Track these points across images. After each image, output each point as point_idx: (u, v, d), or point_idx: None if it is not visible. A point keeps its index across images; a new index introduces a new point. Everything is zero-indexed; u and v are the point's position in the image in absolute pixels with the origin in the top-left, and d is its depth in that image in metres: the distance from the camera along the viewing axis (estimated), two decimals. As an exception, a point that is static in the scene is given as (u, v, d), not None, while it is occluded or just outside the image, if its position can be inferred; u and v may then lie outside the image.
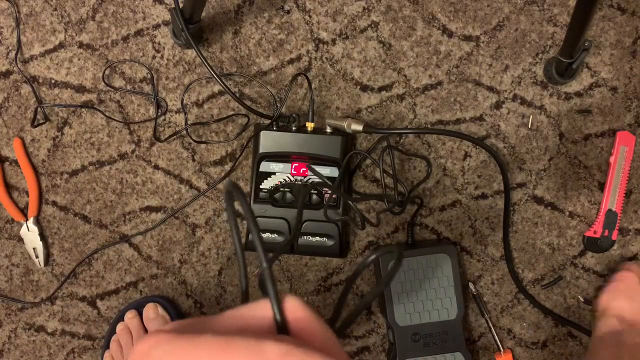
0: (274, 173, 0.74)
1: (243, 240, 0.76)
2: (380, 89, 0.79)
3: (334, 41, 0.79)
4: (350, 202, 0.71)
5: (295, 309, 0.28)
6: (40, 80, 0.79)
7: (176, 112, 0.79)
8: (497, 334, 0.79)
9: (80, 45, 0.79)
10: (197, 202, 0.79)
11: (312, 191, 0.74)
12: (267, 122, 0.74)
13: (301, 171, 0.74)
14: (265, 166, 0.74)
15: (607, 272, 0.79)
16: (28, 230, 0.78)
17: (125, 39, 0.79)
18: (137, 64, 0.78)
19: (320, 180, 0.74)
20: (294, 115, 0.75)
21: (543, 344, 0.80)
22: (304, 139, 0.73)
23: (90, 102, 0.79)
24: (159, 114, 0.79)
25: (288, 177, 0.74)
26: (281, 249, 0.38)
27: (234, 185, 0.30)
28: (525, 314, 0.80)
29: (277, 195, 0.74)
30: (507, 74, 0.79)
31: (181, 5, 0.70)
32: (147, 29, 0.79)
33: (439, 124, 0.79)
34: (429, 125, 0.79)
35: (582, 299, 0.79)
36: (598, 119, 0.79)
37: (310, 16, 0.79)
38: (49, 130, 0.79)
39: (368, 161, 0.79)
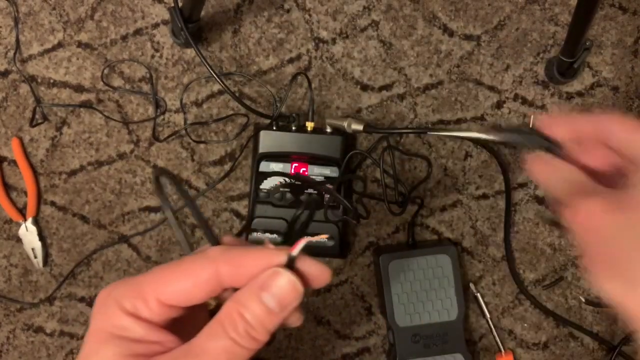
0: (274, 173, 0.74)
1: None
2: (381, 89, 0.78)
3: (334, 40, 0.78)
4: (336, 195, 0.71)
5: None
6: (39, 80, 0.78)
7: (175, 112, 0.78)
8: (498, 335, 0.79)
9: (79, 44, 0.78)
10: (197, 202, 0.78)
11: (311, 190, 0.74)
12: (267, 121, 0.74)
13: (301, 171, 0.74)
14: (265, 166, 0.74)
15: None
16: (26, 230, 0.78)
17: (124, 38, 0.78)
18: (136, 63, 0.78)
19: (319, 181, 0.73)
20: (294, 114, 0.74)
21: (544, 345, 0.80)
22: (304, 138, 0.73)
23: (89, 101, 0.78)
24: (158, 113, 0.78)
25: (285, 180, 0.74)
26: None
27: (162, 171, 0.34)
28: (527, 314, 0.80)
29: (277, 195, 0.74)
30: (508, 73, 0.78)
31: (180, 4, 0.69)
32: (146, 28, 0.78)
33: (440, 123, 0.78)
34: (430, 125, 0.78)
35: (583, 300, 0.79)
36: (599, 118, 0.78)
37: (310, 15, 0.78)
38: (47, 130, 0.78)
39: (368, 161, 0.78)
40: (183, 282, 0.29)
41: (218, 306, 0.32)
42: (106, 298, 0.30)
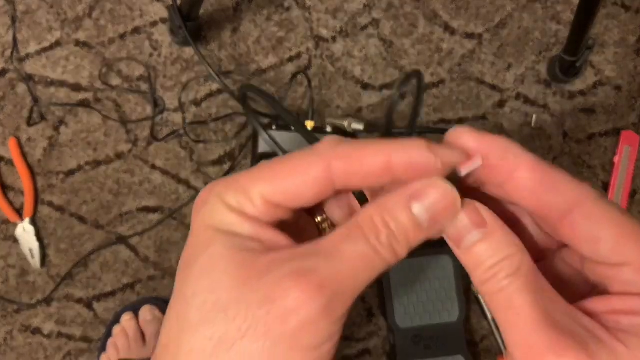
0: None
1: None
2: (381, 87, 0.78)
3: (334, 39, 0.78)
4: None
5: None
6: (37, 79, 0.78)
7: (174, 111, 0.78)
8: (499, 337, 0.78)
9: (77, 43, 0.78)
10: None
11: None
12: (267, 121, 0.73)
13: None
14: (264, 166, 0.73)
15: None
16: (24, 230, 0.77)
17: (122, 36, 0.78)
18: (134, 62, 0.77)
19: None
20: (294, 114, 0.74)
21: (546, 346, 0.79)
22: (304, 138, 0.72)
23: (87, 100, 0.78)
24: (157, 112, 0.78)
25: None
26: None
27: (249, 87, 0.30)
28: (528, 315, 0.79)
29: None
30: (510, 72, 0.78)
31: (179, 2, 0.69)
32: (145, 26, 0.78)
33: (442, 122, 0.78)
34: (432, 124, 0.78)
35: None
36: (602, 117, 0.78)
37: (310, 13, 0.78)
38: (45, 130, 0.78)
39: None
40: (289, 179, 0.25)
41: (329, 226, 0.29)
42: (208, 195, 0.26)
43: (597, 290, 0.25)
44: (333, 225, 0.29)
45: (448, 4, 0.77)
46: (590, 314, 0.23)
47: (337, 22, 0.78)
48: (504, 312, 0.24)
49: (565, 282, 0.27)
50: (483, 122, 0.78)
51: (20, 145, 0.78)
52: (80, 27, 0.78)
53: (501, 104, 0.78)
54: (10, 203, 0.78)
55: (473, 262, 0.24)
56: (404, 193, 0.25)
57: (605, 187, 0.78)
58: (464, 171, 0.25)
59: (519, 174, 0.24)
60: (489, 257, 0.24)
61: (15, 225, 0.78)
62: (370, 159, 0.25)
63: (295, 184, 0.25)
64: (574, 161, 0.78)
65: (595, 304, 0.24)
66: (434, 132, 0.76)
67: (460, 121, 0.78)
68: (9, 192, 0.79)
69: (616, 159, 0.77)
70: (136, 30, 0.78)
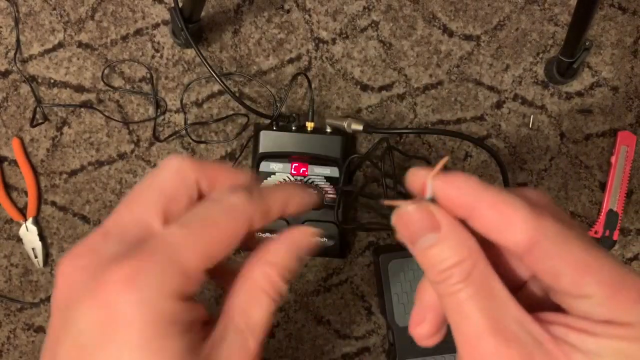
0: (273, 173, 0.74)
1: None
2: (381, 89, 0.78)
3: (334, 40, 0.78)
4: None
5: None
6: (39, 80, 0.78)
7: (175, 112, 0.78)
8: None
9: (80, 44, 0.78)
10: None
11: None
12: (267, 121, 0.74)
13: (301, 171, 0.74)
14: (265, 166, 0.74)
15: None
16: (27, 230, 0.78)
17: (124, 38, 0.78)
18: (136, 63, 0.78)
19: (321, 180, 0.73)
20: (294, 114, 0.74)
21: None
22: (304, 138, 0.73)
23: (90, 101, 0.79)
24: (159, 113, 0.78)
25: (288, 177, 0.74)
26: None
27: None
28: (526, 314, 0.80)
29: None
30: (508, 73, 0.78)
31: (180, 4, 0.69)
32: (147, 28, 0.79)
33: (440, 123, 0.78)
34: (430, 125, 0.78)
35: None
36: (599, 118, 0.79)
37: (310, 15, 0.78)
38: (48, 130, 0.79)
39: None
40: (226, 241, 0.26)
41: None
42: (138, 287, 0.23)
43: (559, 309, 0.25)
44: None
45: (446, 6, 0.78)
46: (544, 322, 0.24)
47: (337, 24, 0.78)
48: (453, 315, 0.25)
49: (534, 300, 0.28)
50: (481, 123, 0.78)
51: (24, 146, 0.78)
52: (83, 28, 0.79)
53: (499, 104, 0.78)
54: (14, 203, 0.79)
55: (426, 263, 0.26)
56: (290, 248, 0.29)
57: (602, 188, 0.79)
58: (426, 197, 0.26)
59: (478, 211, 0.25)
60: (441, 261, 0.25)
61: (18, 224, 0.79)
62: (277, 208, 0.29)
63: (228, 245, 0.27)
64: (571, 161, 0.79)
65: (551, 316, 0.24)
66: (433, 133, 0.77)
67: (459, 122, 0.78)
68: (12, 192, 0.79)
69: (613, 159, 0.77)
70: (138, 32, 0.78)
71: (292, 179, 0.74)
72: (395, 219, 0.27)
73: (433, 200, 0.26)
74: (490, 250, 0.27)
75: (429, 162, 0.78)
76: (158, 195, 0.27)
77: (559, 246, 0.24)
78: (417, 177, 0.27)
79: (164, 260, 0.24)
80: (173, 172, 0.28)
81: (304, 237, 0.29)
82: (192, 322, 0.25)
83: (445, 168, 0.26)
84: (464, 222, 0.26)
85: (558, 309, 0.25)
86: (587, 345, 0.23)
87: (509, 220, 0.24)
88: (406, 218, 0.26)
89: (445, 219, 0.25)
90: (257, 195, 0.28)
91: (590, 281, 0.23)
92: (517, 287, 0.28)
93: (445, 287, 0.24)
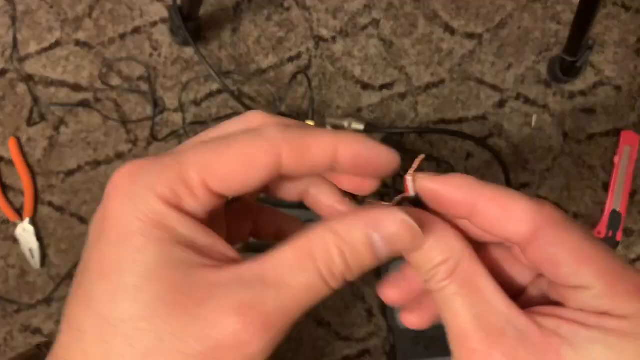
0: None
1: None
2: (382, 88, 0.78)
3: (334, 39, 0.78)
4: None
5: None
6: (37, 79, 0.78)
7: (174, 111, 0.78)
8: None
9: (77, 43, 0.78)
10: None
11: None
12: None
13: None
14: (264, 166, 0.73)
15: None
16: (24, 230, 0.77)
17: (122, 36, 0.78)
18: (134, 62, 0.77)
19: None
20: (294, 114, 0.74)
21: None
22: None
23: (87, 101, 0.78)
24: (157, 112, 0.78)
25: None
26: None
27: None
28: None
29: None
30: (510, 72, 0.78)
31: (179, 2, 0.69)
32: (145, 26, 0.78)
33: (441, 123, 0.78)
34: (431, 124, 0.78)
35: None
36: (602, 118, 0.78)
37: (310, 13, 0.78)
38: (45, 130, 0.78)
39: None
40: (236, 166, 0.23)
41: (238, 203, 0.27)
42: (133, 184, 0.22)
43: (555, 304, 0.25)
44: (237, 198, 0.27)
45: (448, 4, 0.77)
46: (536, 313, 0.24)
47: (337, 22, 0.78)
48: (443, 311, 0.25)
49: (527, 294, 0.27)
50: (483, 122, 0.78)
51: (20, 145, 0.78)
52: (80, 27, 0.78)
53: (501, 104, 0.78)
54: (10, 203, 0.78)
55: (415, 264, 0.25)
56: (362, 221, 0.23)
57: (605, 188, 0.78)
58: (411, 192, 0.26)
59: (479, 207, 0.24)
60: (427, 262, 0.25)
61: (15, 225, 0.78)
62: (319, 150, 0.24)
63: (243, 171, 0.23)
64: (574, 161, 0.78)
65: (545, 308, 0.24)
66: (435, 133, 0.76)
67: (460, 121, 0.78)
68: (8, 192, 0.78)
69: (616, 159, 0.77)
70: (136, 30, 0.78)
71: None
72: (375, 237, 0.25)
73: (417, 197, 0.26)
74: (491, 255, 0.27)
75: (430, 162, 0.77)
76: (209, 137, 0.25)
77: (560, 234, 0.24)
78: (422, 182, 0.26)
79: (166, 163, 0.23)
80: (240, 122, 0.25)
81: (396, 226, 0.23)
82: (191, 242, 0.22)
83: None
84: (458, 223, 0.26)
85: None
86: (577, 336, 0.23)
87: (510, 210, 0.24)
88: (390, 231, 0.25)
89: (429, 219, 0.25)
90: (294, 129, 0.24)
91: (589, 271, 0.23)
92: (519, 292, 0.28)
93: (434, 284, 0.25)
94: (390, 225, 0.24)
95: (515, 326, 0.23)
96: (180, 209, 0.22)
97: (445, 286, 0.24)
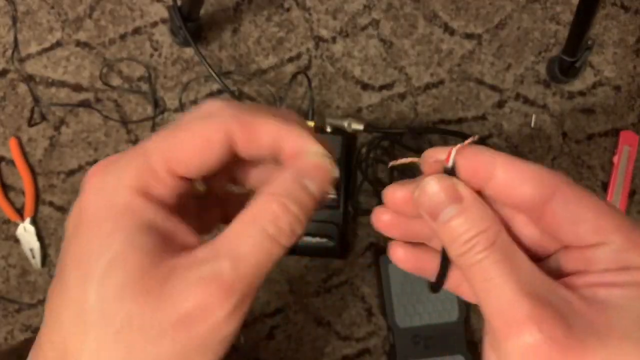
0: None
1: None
2: (381, 88, 0.78)
3: (334, 39, 0.78)
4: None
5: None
6: (37, 79, 0.78)
7: (174, 111, 0.78)
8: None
9: (78, 43, 0.78)
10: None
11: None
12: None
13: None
14: (264, 166, 0.73)
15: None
16: (25, 230, 0.78)
17: (122, 37, 0.78)
18: (134, 62, 0.78)
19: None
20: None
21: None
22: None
23: (88, 101, 0.78)
24: (157, 113, 0.78)
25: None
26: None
27: None
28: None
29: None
30: (510, 72, 0.78)
31: (179, 2, 0.69)
32: (145, 27, 0.78)
33: (441, 123, 0.78)
34: (431, 125, 0.78)
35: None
36: (601, 118, 0.78)
37: (310, 14, 0.78)
38: (45, 130, 0.78)
39: (369, 161, 0.78)
40: (195, 145, 0.25)
41: (206, 192, 0.28)
42: (105, 176, 0.24)
43: (577, 274, 0.25)
44: (205, 191, 0.29)
45: (448, 5, 0.78)
46: (569, 287, 0.24)
47: (337, 22, 0.78)
48: (481, 283, 0.24)
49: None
50: (483, 122, 0.78)
51: (21, 145, 0.78)
52: (81, 27, 0.78)
53: (501, 104, 0.78)
54: (11, 203, 0.78)
55: (450, 236, 0.25)
56: (290, 175, 0.25)
57: (604, 187, 0.78)
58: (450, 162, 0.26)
59: (496, 173, 0.25)
60: (465, 232, 0.24)
61: (16, 225, 0.78)
62: (266, 132, 0.26)
63: (200, 150, 0.25)
64: (574, 161, 0.78)
65: (573, 280, 0.24)
66: (434, 133, 0.76)
67: (460, 121, 0.78)
68: (9, 192, 0.79)
69: (615, 159, 0.77)
70: (136, 31, 0.78)
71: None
72: (417, 193, 0.26)
73: (452, 170, 0.26)
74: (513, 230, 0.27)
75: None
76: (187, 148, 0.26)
77: (577, 193, 0.24)
78: (436, 153, 0.27)
79: (132, 155, 0.25)
80: (200, 110, 0.26)
81: (317, 168, 0.26)
82: (155, 226, 0.24)
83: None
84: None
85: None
86: (616, 297, 0.23)
87: (527, 174, 0.24)
88: (428, 191, 0.25)
89: (466, 190, 0.25)
90: (245, 111, 0.26)
91: (610, 226, 0.24)
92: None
93: (470, 257, 0.24)
94: (318, 170, 0.26)
95: (558, 294, 0.23)
96: (148, 196, 0.24)
97: (484, 257, 0.24)
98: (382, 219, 0.28)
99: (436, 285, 0.28)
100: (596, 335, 0.22)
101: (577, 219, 0.24)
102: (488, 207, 0.25)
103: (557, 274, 0.26)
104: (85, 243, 0.24)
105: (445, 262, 0.27)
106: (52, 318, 0.24)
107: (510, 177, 0.25)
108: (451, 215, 0.25)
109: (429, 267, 0.28)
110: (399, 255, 0.29)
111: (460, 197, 0.25)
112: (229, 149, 0.25)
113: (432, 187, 0.25)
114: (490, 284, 0.24)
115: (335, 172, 0.26)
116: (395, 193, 0.27)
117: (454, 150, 0.26)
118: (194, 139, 0.25)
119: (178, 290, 0.23)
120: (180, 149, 0.25)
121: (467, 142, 0.26)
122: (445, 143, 0.78)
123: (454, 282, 0.28)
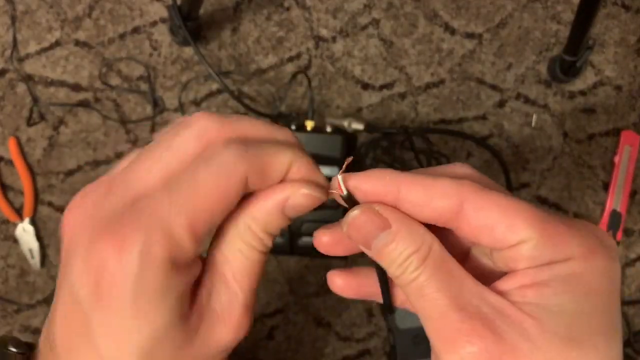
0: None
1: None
2: (382, 87, 0.78)
3: (334, 39, 0.78)
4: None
5: None
6: (36, 79, 0.78)
7: (174, 111, 0.78)
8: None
9: (77, 43, 0.78)
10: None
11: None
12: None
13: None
14: (264, 166, 0.73)
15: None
16: (24, 231, 0.77)
17: (122, 36, 0.78)
18: (134, 61, 0.77)
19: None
20: (294, 114, 0.73)
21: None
22: (304, 138, 0.72)
23: (87, 100, 0.78)
24: (156, 112, 0.77)
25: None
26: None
27: None
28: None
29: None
30: (511, 72, 0.78)
31: (179, 2, 0.69)
32: (144, 26, 0.78)
33: (442, 122, 0.77)
34: (431, 124, 0.77)
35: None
36: (602, 118, 0.78)
37: (310, 13, 0.78)
38: (44, 130, 0.78)
39: (368, 161, 0.77)
40: (215, 203, 0.24)
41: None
42: (128, 255, 0.23)
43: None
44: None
45: (448, 4, 0.77)
46: (499, 293, 0.24)
47: (337, 21, 0.77)
48: (417, 300, 0.25)
49: (485, 276, 0.27)
50: (483, 122, 0.78)
51: (20, 145, 0.78)
52: (80, 26, 0.78)
53: (501, 103, 0.78)
54: (10, 203, 0.78)
55: (386, 260, 0.26)
56: (273, 201, 0.26)
57: (605, 188, 0.78)
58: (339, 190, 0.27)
59: (403, 194, 0.25)
60: (399, 255, 0.25)
61: (15, 225, 0.78)
62: (277, 168, 0.26)
63: (219, 207, 0.24)
64: (574, 161, 0.78)
65: (503, 283, 0.25)
66: (435, 133, 0.76)
67: (461, 121, 0.77)
68: (8, 192, 0.78)
69: (616, 159, 0.77)
70: (136, 30, 0.78)
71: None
72: (345, 228, 0.27)
73: (350, 196, 0.27)
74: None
75: (430, 161, 0.77)
76: (167, 162, 0.25)
77: (484, 198, 0.25)
78: (330, 186, 0.27)
79: (150, 226, 0.23)
80: (193, 138, 0.25)
81: (294, 193, 0.26)
82: (188, 282, 0.25)
83: (350, 168, 0.27)
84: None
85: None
86: (544, 296, 0.23)
87: (432, 190, 0.25)
88: (356, 223, 0.26)
89: (392, 213, 0.26)
90: (253, 150, 0.25)
91: (522, 224, 0.24)
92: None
93: (406, 277, 0.25)
94: (297, 199, 0.26)
95: (488, 303, 0.24)
96: (176, 264, 0.24)
97: (418, 275, 0.25)
98: (337, 284, 0.30)
99: (386, 307, 0.28)
100: (528, 339, 0.23)
101: (490, 224, 0.24)
102: (416, 223, 0.25)
103: (492, 276, 0.27)
104: (118, 318, 0.23)
105: (384, 283, 0.28)
106: (58, 354, 0.25)
107: (416, 197, 0.25)
108: (384, 243, 0.25)
109: (371, 290, 0.29)
110: (338, 284, 0.30)
111: (388, 223, 0.25)
112: (243, 193, 0.25)
113: (358, 219, 0.26)
114: (425, 300, 0.24)
115: (320, 198, 0.27)
116: (321, 238, 0.29)
117: (339, 178, 0.27)
118: (213, 197, 0.24)
119: None
120: (202, 210, 0.24)
121: (345, 165, 0.27)
122: (445, 143, 0.77)
123: (404, 298, 0.29)
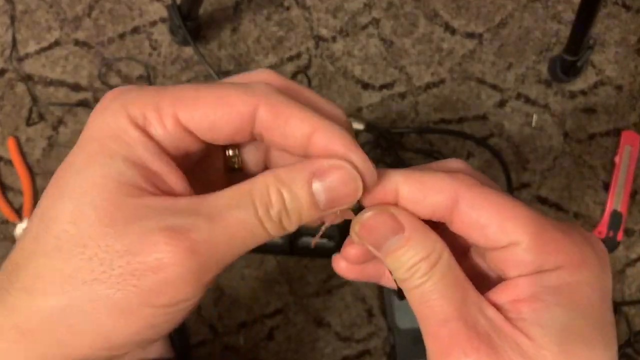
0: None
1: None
2: (382, 87, 0.77)
3: (334, 38, 0.77)
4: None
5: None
6: (36, 79, 0.77)
7: (174, 111, 0.78)
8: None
9: (76, 42, 0.78)
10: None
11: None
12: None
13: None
14: (264, 166, 0.73)
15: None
16: (23, 231, 0.77)
17: (121, 36, 0.77)
18: (133, 61, 0.77)
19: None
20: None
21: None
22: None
23: (86, 100, 0.78)
24: (156, 112, 0.77)
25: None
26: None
27: None
28: (529, 316, 0.79)
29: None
30: (511, 72, 0.78)
31: (179, 1, 0.68)
32: (144, 26, 0.78)
33: (442, 122, 0.77)
34: (432, 124, 0.77)
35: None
36: (603, 117, 0.78)
37: (310, 13, 0.78)
38: (44, 130, 0.78)
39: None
40: (212, 108, 0.23)
41: (240, 169, 0.27)
42: (111, 101, 0.23)
43: (500, 279, 0.25)
44: (241, 167, 0.27)
45: (448, 4, 0.77)
46: (495, 306, 0.24)
47: (337, 21, 0.77)
48: (419, 305, 0.25)
49: (480, 277, 0.27)
50: (483, 122, 0.77)
51: (19, 145, 0.77)
52: (80, 26, 0.78)
53: (502, 103, 0.78)
54: (10, 203, 0.78)
55: (394, 264, 0.25)
56: (306, 168, 0.23)
57: (606, 187, 0.78)
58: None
59: (400, 191, 0.25)
60: (409, 259, 0.25)
61: (14, 225, 0.78)
62: (295, 124, 0.23)
63: (217, 114, 0.23)
64: (575, 161, 0.78)
65: (498, 296, 0.24)
66: (435, 133, 0.76)
67: (461, 121, 0.77)
68: (7, 192, 0.78)
69: (617, 159, 0.76)
70: (135, 30, 0.78)
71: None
72: (358, 227, 0.26)
73: (359, 204, 0.26)
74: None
75: (436, 158, 0.77)
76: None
77: (479, 196, 0.24)
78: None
79: (146, 91, 0.24)
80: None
81: (341, 180, 0.23)
82: (142, 163, 0.23)
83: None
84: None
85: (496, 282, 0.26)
86: (537, 312, 0.23)
87: (426, 185, 0.25)
88: (370, 224, 0.25)
89: (406, 217, 0.25)
90: (282, 95, 0.24)
91: (514, 225, 0.23)
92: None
93: (412, 281, 0.25)
94: (334, 174, 0.23)
95: (486, 316, 0.24)
96: (144, 132, 0.23)
97: (425, 281, 0.24)
98: (340, 266, 0.29)
99: (397, 292, 0.28)
100: (522, 355, 0.23)
101: (483, 222, 0.24)
102: (429, 230, 0.25)
103: (487, 278, 0.27)
104: (71, 158, 0.23)
105: None
106: (25, 230, 0.24)
107: (413, 192, 0.25)
108: (396, 247, 0.25)
109: (375, 272, 0.29)
110: (342, 266, 0.29)
111: (402, 227, 0.25)
112: (247, 124, 0.24)
113: (373, 220, 0.25)
114: (427, 306, 0.24)
115: (357, 194, 0.24)
116: (339, 263, 0.29)
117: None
118: (215, 101, 0.23)
119: (141, 232, 0.22)
120: (195, 104, 0.23)
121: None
122: (445, 143, 0.77)
123: None
